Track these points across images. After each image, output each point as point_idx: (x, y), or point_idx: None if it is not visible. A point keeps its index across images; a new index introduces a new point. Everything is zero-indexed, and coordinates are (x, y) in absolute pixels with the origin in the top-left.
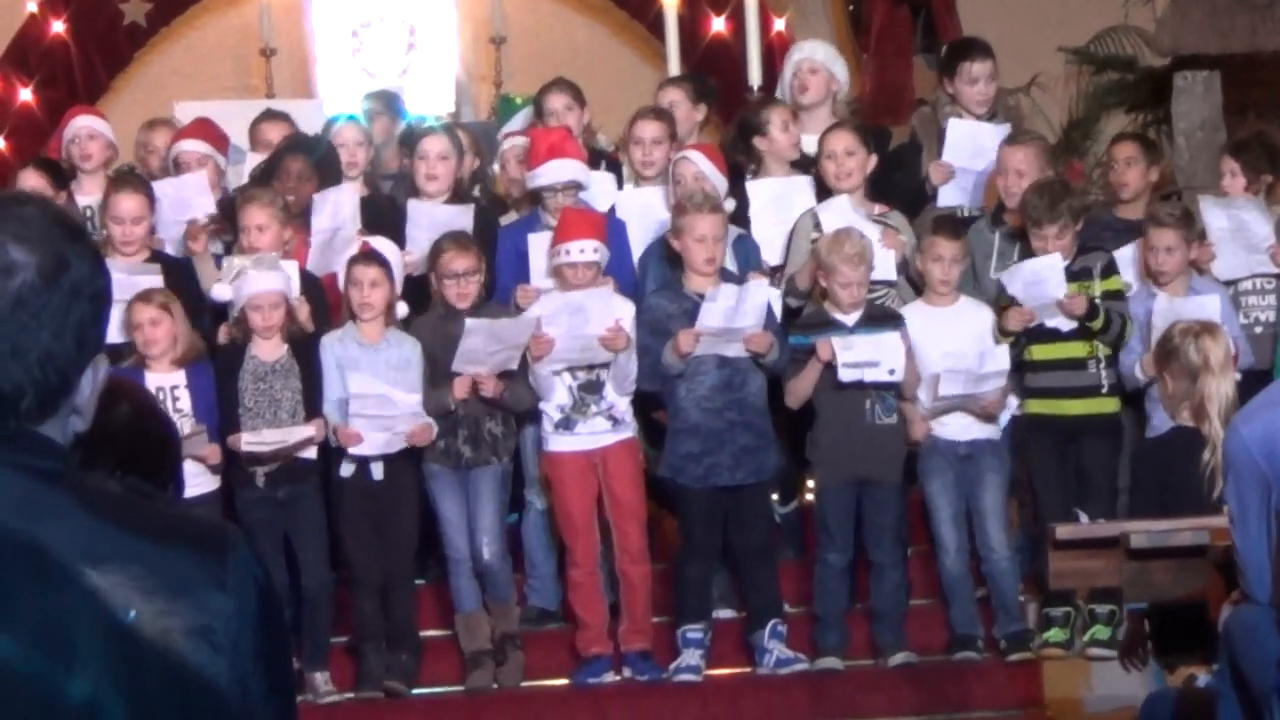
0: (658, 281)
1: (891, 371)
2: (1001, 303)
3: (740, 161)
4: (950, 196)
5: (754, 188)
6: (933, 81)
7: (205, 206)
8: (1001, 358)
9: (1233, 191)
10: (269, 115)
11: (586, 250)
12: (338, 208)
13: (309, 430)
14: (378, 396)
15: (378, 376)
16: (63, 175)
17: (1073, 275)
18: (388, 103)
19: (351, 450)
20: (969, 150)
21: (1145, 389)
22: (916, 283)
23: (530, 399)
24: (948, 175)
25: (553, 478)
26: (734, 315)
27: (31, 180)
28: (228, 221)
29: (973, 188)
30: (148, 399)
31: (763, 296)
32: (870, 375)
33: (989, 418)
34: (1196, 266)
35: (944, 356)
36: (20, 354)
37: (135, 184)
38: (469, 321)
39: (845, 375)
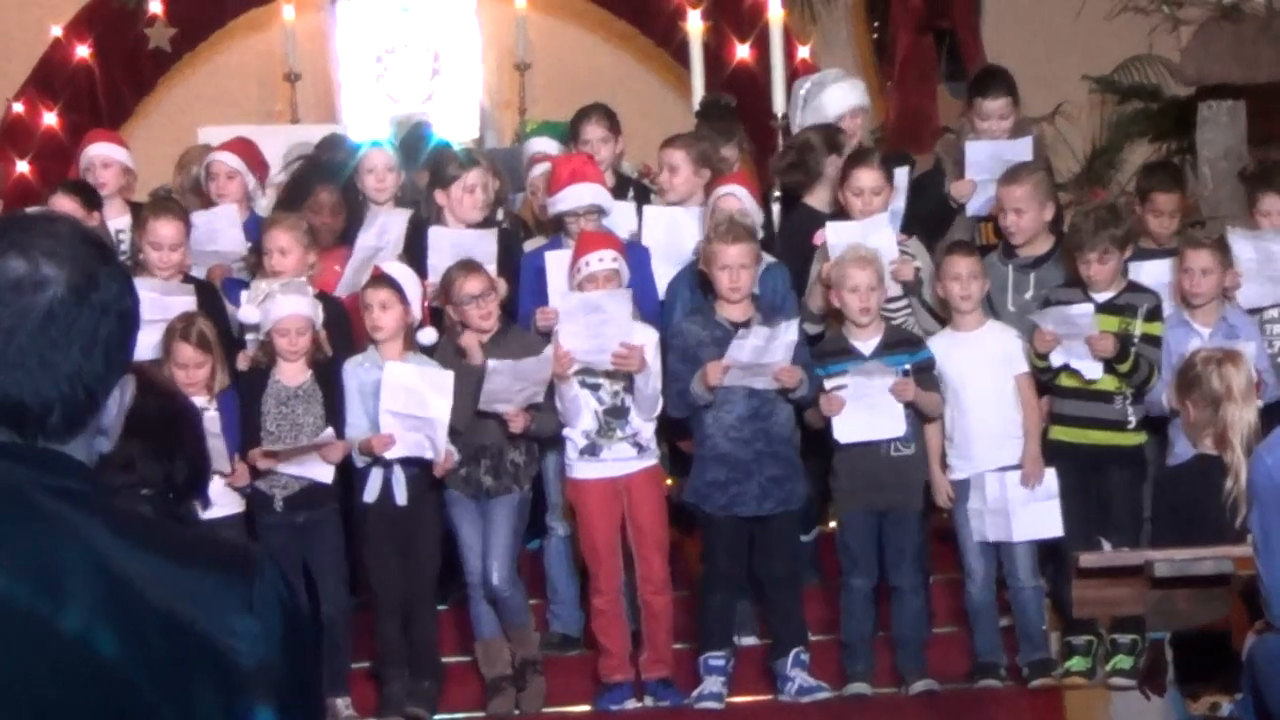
0: (686, 307)
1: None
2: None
3: (798, 183)
4: (980, 208)
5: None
6: (956, 109)
7: (233, 240)
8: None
9: (1265, 225)
10: (330, 143)
11: (605, 259)
12: (385, 229)
13: (329, 432)
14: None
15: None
16: (95, 198)
17: (1116, 308)
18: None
19: (386, 455)
20: (990, 167)
21: (1170, 418)
22: (935, 310)
23: (555, 425)
24: (970, 190)
25: (577, 504)
26: (763, 353)
27: (64, 203)
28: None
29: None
30: (175, 392)
31: (792, 336)
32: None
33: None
34: (1226, 294)
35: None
36: (49, 368)
37: (173, 210)
38: (491, 363)
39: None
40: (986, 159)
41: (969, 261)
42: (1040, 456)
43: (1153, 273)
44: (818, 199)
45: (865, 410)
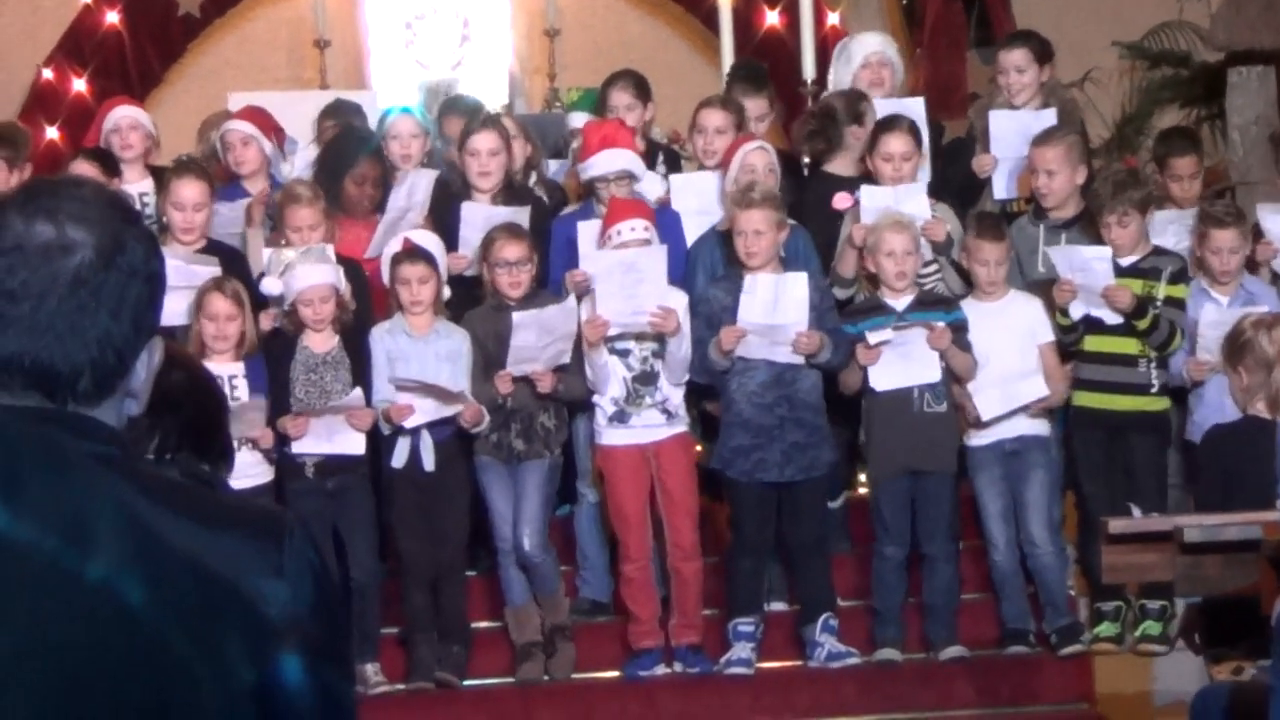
0: (708, 271)
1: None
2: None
3: (820, 150)
4: (1002, 189)
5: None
6: (986, 75)
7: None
8: (1037, 385)
9: None
10: (337, 109)
11: (637, 229)
12: (414, 190)
13: (358, 392)
14: (421, 386)
15: (426, 367)
16: (114, 164)
17: (1140, 271)
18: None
19: (406, 424)
20: (1014, 142)
21: (1192, 388)
22: (963, 267)
23: (584, 389)
24: (991, 166)
25: (606, 471)
26: (773, 309)
27: (83, 168)
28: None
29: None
30: (199, 365)
31: (802, 291)
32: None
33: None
34: (1252, 264)
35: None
36: (78, 333)
37: (197, 171)
38: (516, 316)
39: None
40: (1010, 133)
41: (997, 249)
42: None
43: (1178, 231)
44: (839, 165)
45: (901, 359)
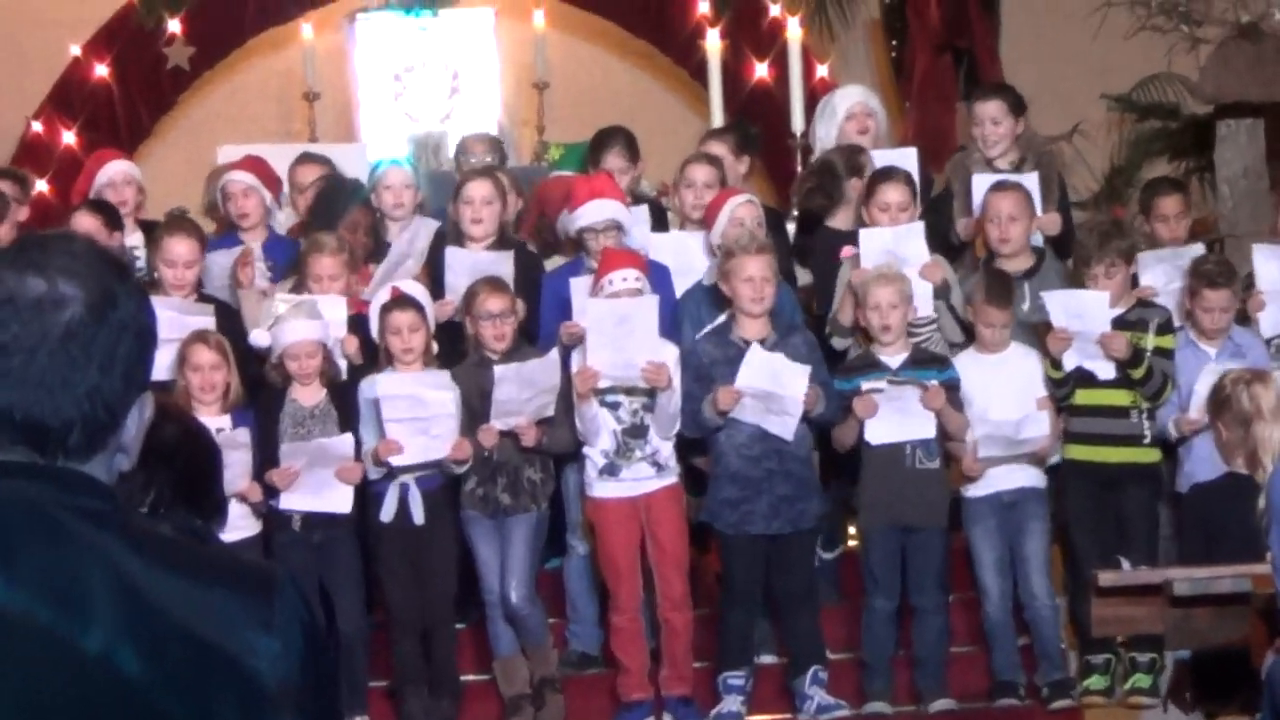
0: (696, 325)
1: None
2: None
3: (820, 207)
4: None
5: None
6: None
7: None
8: (1041, 423)
9: None
10: (307, 159)
11: (629, 279)
12: (415, 237)
13: (348, 437)
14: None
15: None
16: (117, 217)
17: (1128, 324)
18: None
19: (393, 461)
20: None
21: (1178, 443)
22: (962, 318)
23: (569, 441)
24: (977, 232)
25: (596, 523)
26: (776, 381)
27: (86, 222)
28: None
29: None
30: (191, 418)
31: (802, 382)
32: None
33: (1039, 461)
34: (1242, 314)
35: (981, 422)
36: (69, 387)
37: (188, 228)
38: (497, 369)
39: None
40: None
41: (1004, 314)
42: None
43: (1169, 271)
44: (840, 220)
45: (897, 414)
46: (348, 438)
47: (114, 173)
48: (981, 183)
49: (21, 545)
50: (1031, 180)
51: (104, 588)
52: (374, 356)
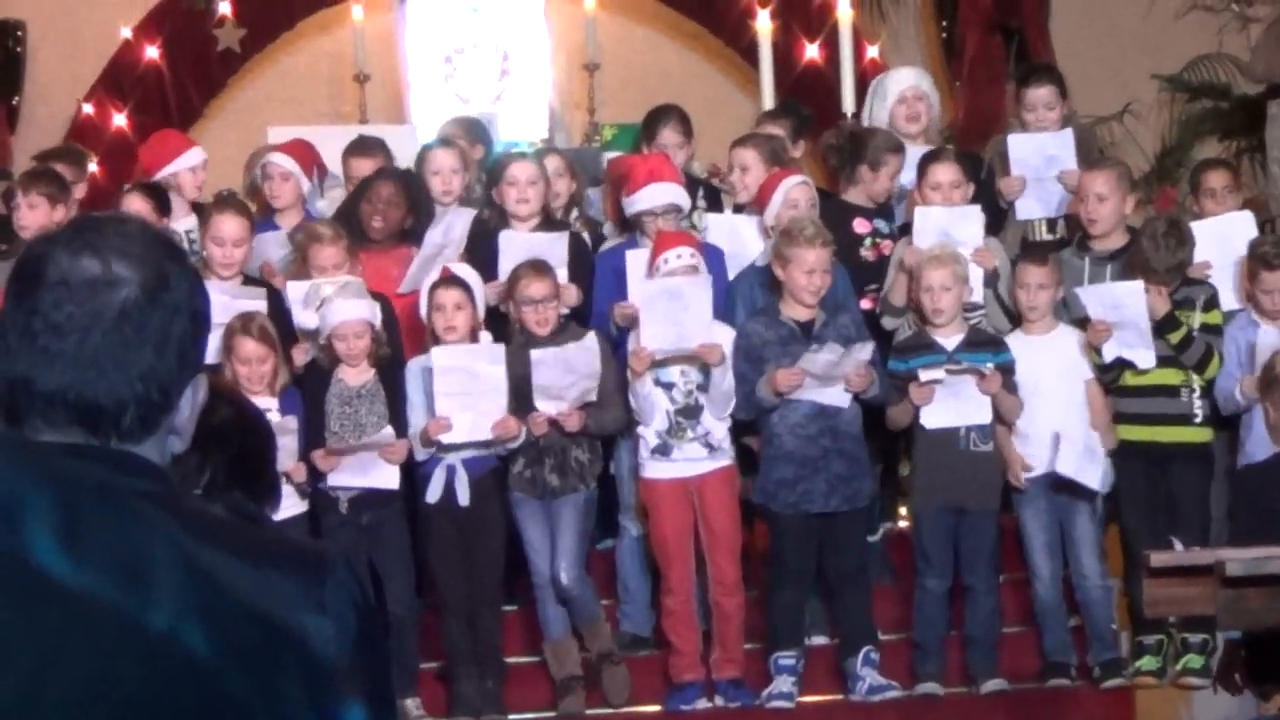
0: (749, 308)
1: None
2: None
3: (832, 167)
4: (1029, 209)
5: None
6: None
7: (281, 262)
8: (1071, 463)
9: None
10: (361, 148)
11: (684, 256)
12: (450, 227)
13: (389, 430)
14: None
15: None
16: (166, 200)
17: (1174, 303)
18: (468, 128)
19: (443, 439)
20: (1035, 162)
21: (1241, 415)
22: (1009, 306)
23: (618, 422)
24: (1020, 188)
25: (649, 504)
26: (834, 368)
27: (136, 204)
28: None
29: (1051, 197)
30: (246, 400)
31: (866, 357)
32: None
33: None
34: None
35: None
36: (123, 368)
37: (237, 206)
38: (534, 353)
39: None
40: (1031, 153)
41: (1039, 272)
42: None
43: (1220, 240)
44: (854, 195)
45: (952, 398)
46: (389, 431)
47: (197, 160)
48: (1017, 142)
49: (88, 525)
50: (1067, 136)
51: (168, 565)
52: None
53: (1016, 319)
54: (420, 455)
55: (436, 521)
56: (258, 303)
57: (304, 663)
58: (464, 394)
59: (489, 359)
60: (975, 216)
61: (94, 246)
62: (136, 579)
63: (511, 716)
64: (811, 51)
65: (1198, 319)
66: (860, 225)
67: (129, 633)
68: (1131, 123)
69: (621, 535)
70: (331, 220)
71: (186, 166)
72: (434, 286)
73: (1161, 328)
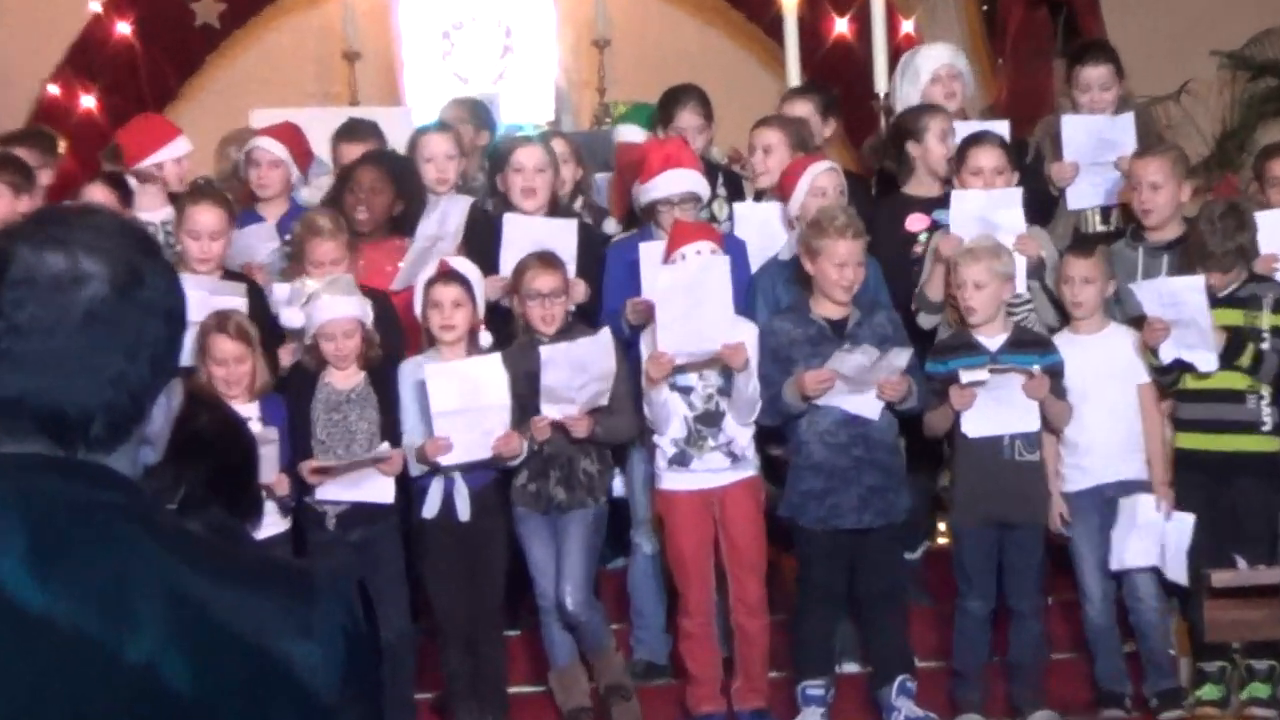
0: (771, 306)
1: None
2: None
3: (888, 168)
4: (1082, 197)
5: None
6: None
7: (270, 256)
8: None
9: None
10: (352, 132)
11: (703, 251)
12: (445, 217)
13: (385, 447)
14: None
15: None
16: (128, 191)
17: (1238, 301)
18: (472, 111)
19: (442, 461)
20: (1091, 146)
21: None
22: (1056, 297)
23: (630, 429)
24: (1073, 174)
25: (665, 518)
26: (867, 372)
27: (99, 194)
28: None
29: (1105, 183)
30: (226, 406)
31: (902, 363)
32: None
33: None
34: None
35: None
36: (90, 372)
37: (215, 197)
38: (544, 351)
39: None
40: (1085, 138)
41: (1084, 264)
42: (1168, 482)
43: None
44: (915, 187)
45: (995, 404)
46: (385, 448)
47: (184, 150)
48: (1072, 124)
49: (59, 549)
50: (1127, 120)
51: (148, 592)
52: (399, 337)
53: (1067, 315)
54: (414, 471)
55: (434, 539)
56: (237, 299)
57: (290, 694)
58: (462, 410)
59: (487, 370)
60: (1015, 200)
61: (59, 240)
62: (113, 607)
63: None
64: (841, 26)
65: (1266, 320)
66: (914, 223)
67: (107, 667)
68: (1189, 103)
69: (634, 554)
70: (332, 212)
71: (173, 157)
72: (430, 282)
73: (1228, 354)
